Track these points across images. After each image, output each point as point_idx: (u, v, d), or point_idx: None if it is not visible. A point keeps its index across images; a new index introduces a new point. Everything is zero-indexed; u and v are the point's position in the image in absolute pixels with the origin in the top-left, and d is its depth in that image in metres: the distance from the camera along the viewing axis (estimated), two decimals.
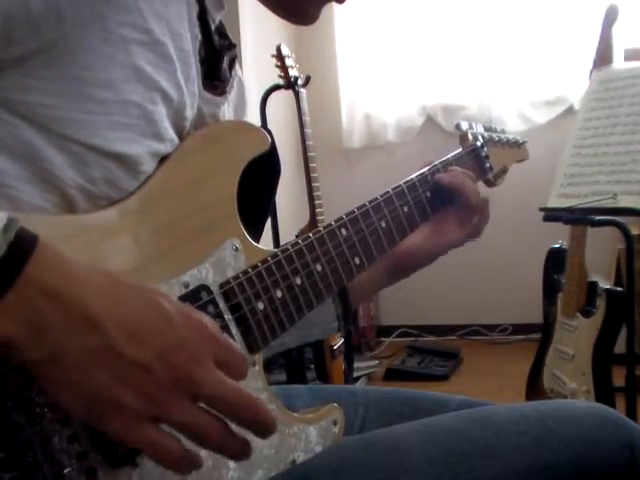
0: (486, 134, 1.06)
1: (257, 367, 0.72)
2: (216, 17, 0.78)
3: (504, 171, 1.09)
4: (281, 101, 2.86)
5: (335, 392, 1.02)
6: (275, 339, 0.73)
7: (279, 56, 2.47)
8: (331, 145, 3.54)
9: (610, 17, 2.05)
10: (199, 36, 0.73)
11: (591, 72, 2.01)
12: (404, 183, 0.91)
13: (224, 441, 0.56)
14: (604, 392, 1.96)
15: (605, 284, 2.05)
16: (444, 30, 3.40)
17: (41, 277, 0.52)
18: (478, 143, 1.04)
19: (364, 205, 0.85)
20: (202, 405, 0.56)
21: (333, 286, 0.79)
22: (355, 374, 2.84)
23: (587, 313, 2.02)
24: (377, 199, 0.86)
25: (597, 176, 1.78)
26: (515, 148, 1.13)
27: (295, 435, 0.74)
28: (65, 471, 0.56)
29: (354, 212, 0.83)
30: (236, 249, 0.72)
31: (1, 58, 0.58)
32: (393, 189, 0.89)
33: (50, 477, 0.55)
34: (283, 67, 2.47)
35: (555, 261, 2.15)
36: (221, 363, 0.56)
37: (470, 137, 1.04)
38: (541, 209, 1.87)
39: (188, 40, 0.70)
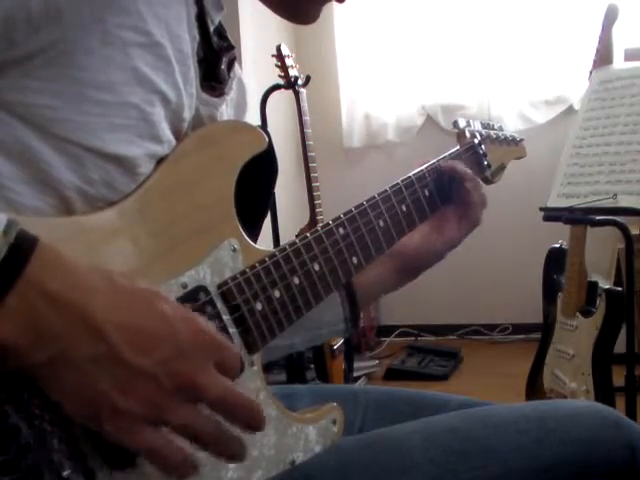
0: (484, 131, 1.06)
1: (256, 367, 0.72)
2: (215, 18, 0.78)
3: (502, 168, 1.09)
4: (281, 101, 2.87)
5: (335, 392, 1.02)
6: (274, 339, 0.73)
7: (279, 56, 2.47)
8: (331, 145, 3.54)
9: (610, 17, 2.05)
10: (197, 37, 0.73)
11: (591, 72, 2.01)
12: (401, 181, 0.90)
13: (224, 442, 0.57)
14: (604, 392, 1.96)
15: (605, 284, 2.05)
16: (444, 30, 3.40)
17: (41, 280, 0.52)
18: (475, 140, 1.03)
19: (362, 204, 0.84)
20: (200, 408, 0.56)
21: (331, 286, 0.79)
22: (355, 374, 2.84)
23: (587, 313, 2.02)
24: (375, 197, 0.86)
25: (597, 176, 1.78)
26: (513, 145, 1.12)
27: (294, 435, 0.74)
28: (64, 474, 0.56)
29: (352, 211, 0.83)
30: (234, 249, 0.72)
31: (2, 59, 0.58)
32: (391, 187, 0.89)
33: None
34: (283, 67, 2.47)
35: (555, 261, 2.15)
36: (218, 364, 0.57)
37: (467, 134, 1.03)
38: (541, 209, 1.87)
39: (187, 41, 0.70)
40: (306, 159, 2.45)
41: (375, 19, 3.47)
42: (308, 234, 0.78)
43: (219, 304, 0.69)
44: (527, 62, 3.30)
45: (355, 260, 0.82)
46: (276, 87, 2.53)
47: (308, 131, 2.46)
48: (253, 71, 2.82)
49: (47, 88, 0.60)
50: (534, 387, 2.19)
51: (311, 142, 2.46)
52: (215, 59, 0.78)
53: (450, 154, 1.00)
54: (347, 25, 3.50)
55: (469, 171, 0.96)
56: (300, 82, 2.48)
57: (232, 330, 0.70)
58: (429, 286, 3.26)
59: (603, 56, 2.02)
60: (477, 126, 1.05)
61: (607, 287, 2.01)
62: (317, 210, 2.47)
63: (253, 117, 2.45)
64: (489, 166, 1.06)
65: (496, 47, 3.33)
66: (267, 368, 0.76)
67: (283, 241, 2.48)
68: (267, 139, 0.76)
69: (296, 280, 0.75)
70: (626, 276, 1.90)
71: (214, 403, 0.56)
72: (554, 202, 1.85)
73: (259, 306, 0.71)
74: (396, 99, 3.51)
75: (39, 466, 0.55)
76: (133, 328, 0.54)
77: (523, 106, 3.34)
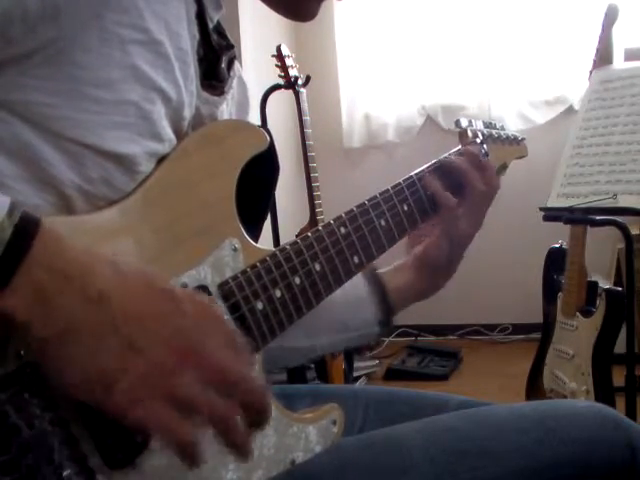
0: (485, 131, 1.06)
1: (256, 367, 0.72)
2: (214, 17, 0.78)
3: (504, 168, 1.09)
4: (281, 101, 2.86)
5: (335, 392, 1.02)
6: (274, 339, 0.73)
7: (279, 56, 2.47)
8: (331, 145, 3.54)
9: (610, 17, 2.05)
10: (197, 35, 0.73)
11: (591, 72, 2.01)
12: (403, 181, 0.90)
13: (232, 424, 0.56)
14: (604, 392, 1.96)
15: (605, 284, 2.05)
16: (444, 30, 3.40)
17: (47, 258, 0.52)
18: (478, 140, 1.03)
19: (363, 203, 0.84)
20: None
21: (332, 285, 0.79)
22: (355, 374, 2.84)
23: (587, 313, 2.02)
24: (376, 197, 0.86)
25: (597, 176, 1.78)
26: (515, 145, 1.12)
27: (294, 435, 0.73)
28: (64, 474, 0.56)
29: (353, 210, 0.83)
30: (235, 249, 0.72)
31: (0, 57, 0.58)
32: (392, 187, 0.88)
33: None
34: (283, 67, 2.47)
35: (555, 261, 2.15)
36: (229, 346, 0.57)
37: (470, 134, 1.03)
38: (541, 209, 1.87)
39: (186, 39, 0.70)
40: (306, 159, 2.45)
41: (375, 19, 3.46)
42: (309, 233, 0.78)
43: (220, 303, 0.69)
44: (527, 62, 3.30)
45: (356, 259, 0.82)
46: (276, 87, 2.53)
47: (308, 131, 2.46)
48: (253, 71, 2.82)
49: (45, 86, 0.60)
50: (534, 387, 2.19)
51: (311, 142, 2.46)
52: (215, 58, 0.78)
53: (452, 154, 0.99)
54: (347, 25, 3.50)
55: (472, 155, 0.95)
56: (300, 82, 2.48)
57: None
58: None
59: (603, 56, 2.02)
60: (479, 125, 1.05)
61: (607, 287, 2.00)
62: (317, 210, 2.47)
63: (253, 117, 2.45)
64: None
65: (496, 47, 3.33)
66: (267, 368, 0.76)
67: (283, 241, 2.48)
68: (268, 138, 0.76)
69: (297, 279, 0.75)
70: (626, 276, 1.90)
71: (217, 373, 0.56)
72: (554, 202, 1.85)
73: (260, 305, 0.71)
74: (396, 99, 3.51)
75: (39, 466, 0.55)
76: (136, 299, 0.55)
77: (523, 106, 3.33)
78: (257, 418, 0.58)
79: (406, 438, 0.77)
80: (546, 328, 2.17)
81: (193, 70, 0.72)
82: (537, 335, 2.28)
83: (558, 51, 3.23)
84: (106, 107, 0.62)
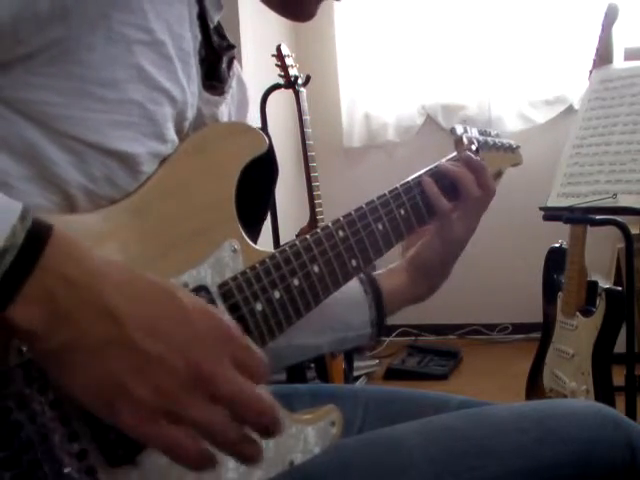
0: (481, 138, 1.06)
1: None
2: (215, 18, 0.78)
3: (499, 175, 1.09)
4: (281, 101, 2.86)
5: (335, 392, 1.02)
6: (273, 340, 0.73)
7: (279, 56, 2.47)
8: (331, 145, 3.54)
9: (610, 17, 2.05)
10: (199, 36, 0.73)
11: (591, 72, 2.01)
12: (400, 186, 0.91)
13: (239, 443, 0.55)
14: (604, 392, 1.96)
15: (605, 284, 2.05)
16: (444, 30, 3.40)
17: (59, 264, 0.52)
18: (473, 147, 1.04)
19: (361, 207, 0.85)
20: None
21: (330, 288, 0.79)
22: (355, 373, 2.84)
23: (587, 312, 2.02)
24: (374, 202, 0.86)
25: (597, 175, 1.78)
26: (509, 152, 1.13)
27: (294, 436, 0.74)
28: (65, 470, 0.56)
29: (351, 214, 0.83)
30: (234, 250, 0.72)
31: (7, 57, 0.58)
32: (390, 192, 0.89)
33: (50, 476, 0.55)
34: (283, 67, 2.47)
35: (555, 261, 2.15)
36: (239, 364, 0.55)
37: (465, 141, 1.04)
38: (541, 208, 1.87)
39: (188, 40, 0.70)
40: (306, 159, 2.45)
41: (375, 19, 3.46)
42: (308, 236, 0.78)
43: (220, 304, 0.69)
44: (527, 62, 3.30)
45: (354, 263, 0.82)
46: (276, 87, 2.54)
47: (308, 131, 2.46)
48: (253, 71, 2.82)
49: (50, 85, 0.60)
50: (534, 387, 2.19)
51: (311, 142, 2.46)
52: (216, 58, 0.78)
53: (447, 160, 1.00)
54: (347, 25, 3.50)
55: (468, 161, 0.95)
56: (300, 82, 2.48)
57: None
58: None
59: (603, 56, 2.02)
60: (474, 133, 1.06)
61: (607, 287, 2.00)
62: (317, 210, 2.47)
63: (253, 117, 2.45)
64: None
65: (496, 47, 3.33)
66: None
67: (283, 241, 2.49)
68: (268, 141, 0.76)
69: (296, 281, 0.75)
70: (626, 276, 1.90)
71: (226, 398, 0.54)
72: (554, 202, 1.85)
73: (259, 306, 0.71)
74: (396, 99, 3.51)
75: (40, 462, 0.55)
76: (147, 314, 0.53)
77: (523, 106, 3.33)
78: (267, 433, 0.56)
79: (406, 438, 0.77)
80: (546, 328, 2.17)
81: (195, 71, 0.72)
82: (537, 335, 2.28)
83: (558, 51, 3.23)
84: (111, 106, 0.62)
